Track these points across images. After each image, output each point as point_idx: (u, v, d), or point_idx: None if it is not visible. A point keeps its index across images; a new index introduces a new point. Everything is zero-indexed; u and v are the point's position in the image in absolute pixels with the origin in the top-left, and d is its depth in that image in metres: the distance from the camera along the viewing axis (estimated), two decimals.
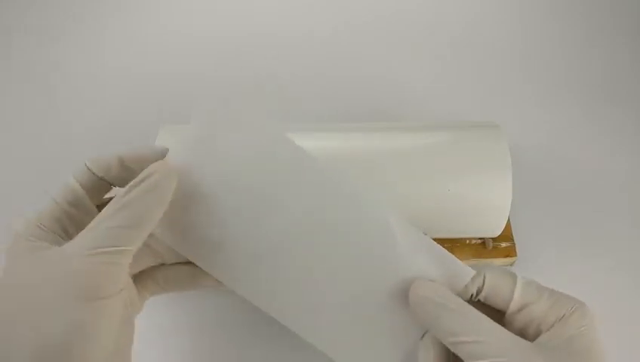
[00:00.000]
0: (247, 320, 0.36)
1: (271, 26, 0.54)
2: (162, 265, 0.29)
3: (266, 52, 0.52)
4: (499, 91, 0.49)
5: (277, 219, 0.26)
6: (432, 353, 0.25)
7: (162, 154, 0.26)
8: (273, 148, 0.26)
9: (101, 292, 0.21)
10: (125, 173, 0.25)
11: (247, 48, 0.52)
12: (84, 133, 0.46)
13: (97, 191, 0.25)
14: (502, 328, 0.22)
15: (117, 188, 0.27)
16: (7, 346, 0.21)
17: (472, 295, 0.25)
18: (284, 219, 0.26)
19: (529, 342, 0.22)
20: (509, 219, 0.35)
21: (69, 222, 0.24)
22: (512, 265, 0.37)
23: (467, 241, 0.36)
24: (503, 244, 0.36)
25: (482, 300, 0.25)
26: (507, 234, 0.36)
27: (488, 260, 0.36)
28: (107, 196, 0.27)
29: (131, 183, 0.23)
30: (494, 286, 0.24)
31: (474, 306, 0.24)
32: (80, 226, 0.24)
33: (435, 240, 0.26)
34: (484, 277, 0.25)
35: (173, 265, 0.29)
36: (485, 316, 0.23)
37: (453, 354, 0.24)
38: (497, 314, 0.24)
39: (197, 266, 0.28)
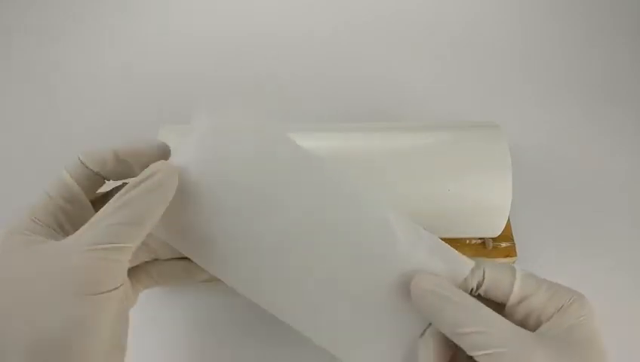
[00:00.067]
0: (241, 317, 0.36)
1: (271, 26, 0.54)
2: (156, 260, 0.29)
3: (266, 52, 0.52)
4: (499, 91, 0.49)
5: (277, 218, 0.26)
6: (432, 349, 0.25)
7: (158, 149, 0.26)
8: (273, 147, 0.26)
9: (100, 287, 0.21)
10: (120, 167, 0.26)
11: (247, 48, 0.52)
12: (84, 133, 0.46)
13: (91, 185, 0.25)
14: (503, 319, 0.23)
15: (111, 181, 0.27)
16: (2, 340, 0.21)
17: (472, 289, 0.25)
18: (284, 218, 0.26)
19: (530, 332, 0.23)
20: (509, 219, 0.35)
21: (64, 216, 0.24)
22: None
23: (467, 241, 0.36)
24: (503, 244, 0.36)
25: (482, 294, 0.25)
26: (507, 234, 0.36)
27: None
28: (100, 191, 0.27)
29: (133, 181, 0.23)
30: (494, 280, 0.25)
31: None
32: (74, 220, 0.24)
33: None
34: (484, 271, 0.25)
35: (167, 261, 0.29)
36: (487, 307, 0.23)
37: (452, 350, 0.25)
38: (497, 308, 0.25)
39: (192, 262, 0.28)
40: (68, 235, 0.23)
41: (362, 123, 0.35)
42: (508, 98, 0.49)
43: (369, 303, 0.26)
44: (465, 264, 0.25)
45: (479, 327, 0.22)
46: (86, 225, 0.22)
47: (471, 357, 0.23)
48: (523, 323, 0.24)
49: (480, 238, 0.36)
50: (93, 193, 0.26)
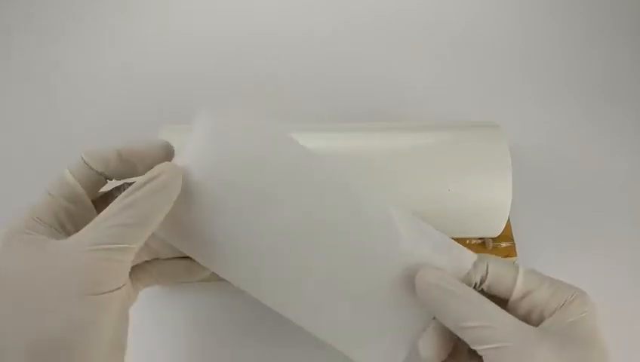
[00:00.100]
0: (241, 317, 0.36)
1: (271, 26, 0.54)
2: (156, 259, 0.29)
3: (266, 52, 0.52)
4: (499, 91, 0.49)
5: (278, 217, 0.26)
6: (434, 342, 0.25)
7: (163, 149, 0.26)
8: (274, 147, 0.26)
9: (102, 288, 0.21)
10: (124, 167, 0.25)
11: (247, 48, 0.52)
12: (84, 133, 0.46)
13: (93, 185, 0.25)
14: (507, 313, 0.23)
15: (113, 181, 0.27)
16: (2, 339, 0.21)
17: (475, 284, 0.25)
18: (286, 217, 0.26)
19: (533, 327, 0.23)
20: (509, 219, 0.35)
21: (65, 216, 0.24)
22: None
23: (467, 241, 0.36)
24: (503, 244, 0.36)
25: (485, 289, 0.25)
26: (507, 234, 0.36)
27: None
28: (102, 190, 0.27)
29: (138, 182, 0.23)
30: (497, 275, 0.25)
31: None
32: (76, 220, 0.24)
33: None
34: (487, 266, 0.25)
35: (168, 260, 0.29)
36: (491, 302, 0.23)
37: (454, 342, 0.25)
38: (500, 304, 0.25)
39: (192, 261, 0.28)
40: (69, 235, 0.23)
41: (362, 123, 0.35)
42: (508, 98, 0.49)
43: (372, 300, 0.26)
44: (467, 257, 0.25)
45: (483, 321, 0.22)
46: (89, 225, 0.22)
47: (472, 351, 0.24)
48: (525, 319, 0.24)
49: (480, 238, 0.36)
50: (95, 193, 0.26)
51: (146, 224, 0.23)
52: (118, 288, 0.22)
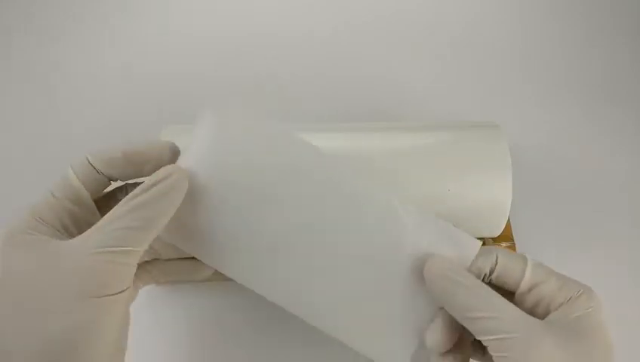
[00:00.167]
0: (241, 317, 0.36)
1: (271, 26, 0.54)
2: (156, 259, 0.29)
3: (266, 52, 0.52)
4: (499, 91, 0.49)
5: (281, 215, 0.26)
6: (440, 331, 0.25)
7: (169, 150, 0.26)
8: (275, 146, 0.26)
9: (107, 290, 0.21)
10: (129, 168, 0.25)
11: (247, 48, 0.52)
12: (84, 133, 0.46)
13: (97, 186, 0.25)
14: (513, 306, 0.23)
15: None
16: (7, 343, 0.21)
17: (485, 275, 0.25)
18: (289, 215, 0.26)
19: (538, 320, 0.23)
20: (509, 219, 0.35)
21: (68, 217, 0.24)
22: None
23: None
24: (503, 244, 0.36)
25: (493, 279, 0.25)
26: (507, 234, 0.36)
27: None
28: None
29: (144, 184, 0.23)
30: (506, 266, 0.25)
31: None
32: (78, 222, 0.24)
33: None
34: (497, 256, 0.25)
35: (169, 260, 0.29)
36: (498, 294, 0.23)
37: (459, 332, 0.25)
38: (507, 295, 0.25)
39: (192, 261, 0.28)
40: (71, 236, 0.23)
41: (362, 123, 0.35)
42: (508, 98, 0.49)
43: (379, 293, 0.26)
44: (473, 244, 0.25)
45: (490, 313, 0.22)
46: (94, 228, 0.22)
47: (476, 341, 0.24)
48: (532, 311, 0.24)
49: (480, 238, 0.36)
50: (97, 194, 0.26)
51: (151, 227, 0.23)
52: (123, 291, 0.22)
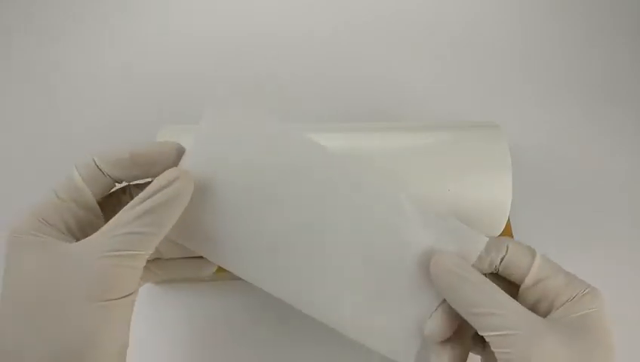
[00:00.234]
0: (241, 317, 0.36)
1: (271, 26, 0.54)
2: (158, 259, 0.29)
3: (266, 52, 0.52)
4: (499, 91, 0.49)
5: (283, 215, 0.26)
6: (441, 325, 0.25)
7: (175, 151, 0.26)
8: (281, 143, 0.26)
9: (113, 294, 0.22)
10: (135, 170, 0.25)
11: (247, 48, 0.52)
12: (84, 133, 0.46)
13: (102, 188, 0.25)
14: (517, 303, 0.23)
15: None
16: (20, 344, 0.21)
17: (495, 265, 0.26)
18: (291, 214, 0.26)
19: (542, 318, 0.23)
20: (509, 219, 0.35)
21: (73, 219, 0.24)
22: None
23: None
24: None
25: (500, 270, 0.26)
26: (507, 234, 0.36)
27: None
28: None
29: (151, 188, 0.23)
30: (515, 257, 0.25)
31: (490, 277, 0.25)
32: (82, 224, 0.24)
33: None
34: (508, 246, 0.25)
35: (171, 259, 0.29)
36: (502, 291, 0.23)
37: (459, 321, 0.25)
38: (511, 289, 0.25)
39: (194, 261, 0.28)
40: (75, 238, 0.23)
41: (362, 123, 0.35)
42: (508, 98, 0.49)
43: (385, 288, 0.26)
44: (480, 239, 0.25)
45: (494, 309, 0.23)
46: (101, 231, 0.22)
47: (477, 335, 0.24)
48: (535, 306, 0.25)
49: None
50: (102, 196, 0.26)
51: (158, 232, 0.23)
52: (129, 294, 0.22)
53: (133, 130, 0.43)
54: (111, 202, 0.26)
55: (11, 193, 0.42)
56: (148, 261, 0.29)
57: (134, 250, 0.22)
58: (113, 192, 0.27)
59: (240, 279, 0.28)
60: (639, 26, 0.54)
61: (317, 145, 0.26)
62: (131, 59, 0.52)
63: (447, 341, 0.26)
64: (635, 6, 0.55)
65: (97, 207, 0.25)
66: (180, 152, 0.26)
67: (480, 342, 0.27)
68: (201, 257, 0.28)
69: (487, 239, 0.26)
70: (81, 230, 0.24)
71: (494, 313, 0.22)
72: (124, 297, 0.22)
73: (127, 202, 0.24)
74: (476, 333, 0.24)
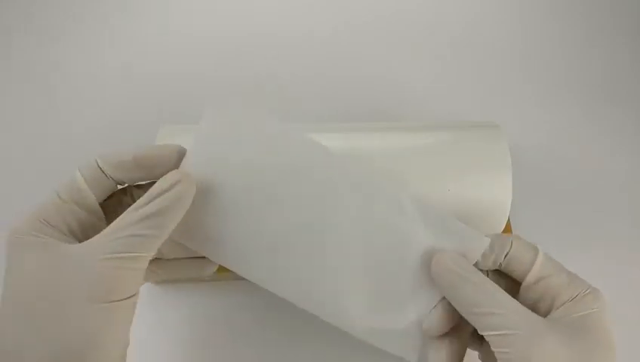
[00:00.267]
0: (242, 317, 0.36)
1: (271, 26, 0.54)
2: (159, 259, 0.29)
3: (266, 52, 0.52)
4: (499, 91, 0.49)
5: (284, 215, 0.26)
6: (439, 321, 0.25)
7: (177, 154, 0.26)
8: (282, 143, 0.26)
9: (115, 296, 0.22)
10: (138, 173, 0.25)
11: (247, 48, 0.52)
12: (84, 133, 0.46)
13: (104, 190, 0.25)
14: (518, 303, 0.23)
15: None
16: (20, 344, 0.21)
17: (499, 263, 0.26)
18: (295, 211, 0.26)
19: (542, 318, 0.23)
20: (509, 219, 0.35)
21: (74, 220, 0.24)
22: None
23: None
24: None
25: (503, 266, 0.26)
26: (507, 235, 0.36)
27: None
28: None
29: (154, 191, 0.23)
30: (517, 254, 0.25)
31: (492, 275, 0.26)
32: (84, 226, 0.24)
33: None
34: (512, 243, 0.25)
35: (172, 260, 0.29)
36: (504, 291, 0.24)
37: (457, 319, 0.25)
38: (513, 286, 0.25)
39: (195, 261, 0.28)
40: (77, 239, 0.23)
41: (362, 123, 0.35)
42: (508, 98, 0.49)
43: (387, 287, 0.26)
44: (482, 240, 0.25)
45: (495, 308, 0.23)
46: (103, 233, 0.22)
47: (475, 333, 0.24)
48: (536, 305, 0.25)
49: None
50: (104, 198, 0.26)
51: (160, 235, 0.23)
52: (131, 296, 0.22)
53: (133, 130, 0.43)
54: (112, 203, 0.26)
55: (11, 193, 0.42)
56: (149, 262, 0.29)
57: (136, 252, 0.22)
58: (114, 193, 0.27)
59: (241, 279, 0.28)
60: (639, 26, 0.54)
61: (317, 144, 0.27)
62: (131, 59, 0.52)
63: (445, 336, 0.26)
64: (635, 6, 0.55)
65: (99, 208, 0.25)
66: (182, 154, 0.26)
67: (478, 339, 0.27)
68: (202, 257, 0.28)
69: (490, 240, 0.26)
70: (83, 231, 0.24)
71: (494, 312, 0.22)
72: (125, 299, 0.22)
73: (129, 203, 0.24)
74: (475, 330, 0.24)
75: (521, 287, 0.25)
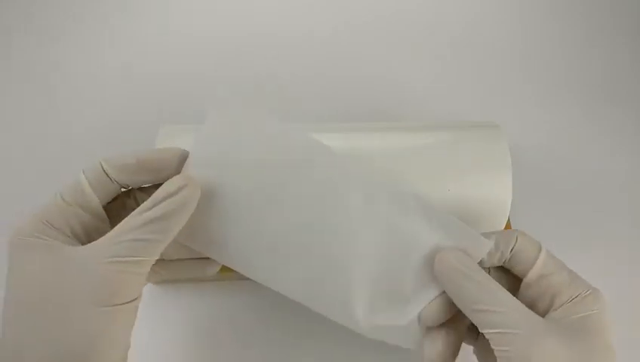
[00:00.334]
0: (243, 317, 0.36)
1: (271, 26, 0.54)
2: (162, 260, 0.29)
3: (266, 52, 0.52)
4: (499, 91, 0.49)
5: (289, 211, 0.26)
6: (435, 314, 0.26)
7: (181, 157, 0.26)
8: (280, 139, 0.26)
9: (118, 299, 0.22)
10: (142, 176, 0.25)
11: (247, 48, 0.52)
12: (84, 133, 0.46)
13: (108, 193, 0.25)
14: (519, 301, 0.23)
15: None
16: (20, 344, 0.21)
17: (505, 259, 0.26)
18: (297, 211, 0.26)
19: (542, 318, 0.23)
20: (509, 219, 0.35)
21: (78, 223, 0.24)
22: None
23: None
24: None
25: (506, 262, 0.26)
26: None
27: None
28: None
29: (159, 195, 0.23)
30: (522, 248, 0.25)
31: (493, 272, 0.26)
32: (87, 228, 0.24)
33: None
34: (517, 238, 0.26)
35: (174, 260, 0.29)
36: (505, 290, 0.24)
37: (455, 317, 0.26)
38: (514, 283, 0.26)
39: (197, 261, 0.28)
40: (79, 242, 0.23)
41: (362, 123, 0.35)
42: (508, 98, 0.49)
43: (388, 285, 0.26)
44: (484, 243, 0.25)
45: (496, 307, 0.23)
46: (106, 237, 0.22)
47: (472, 328, 0.24)
48: (536, 302, 0.25)
49: None
50: (107, 200, 0.26)
51: (164, 239, 0.23)
52: (133, 299, 0.22)
53: (133, 130, 0.43)
54: (115, 206, 0.27)
55: (11, 193, 0.42)
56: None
57: (140, 257, 0.22)
58: (118, 196, 0.27)
59: (243, 278, 0.28)
60: (639, 26, 0.54)
61: (319, 143, 0.27)
62: (131, 59, 0.52)
63: (442, 327, 0.26)
64: (635, 6, 0.55)
65: (103, 211, 0.25)
66: (184, 157, 0.26)
67: (474, 333, 0.27)
68: (205, 257, 0.28)
69: (493, 244, 0.26)
70: (86, 234, 0.24)
71: (495, 310, 0.23)
72: (128, 303, 0.22)
73: (132, 206, 0.24)
74: (471, 324, 0.24)
75: (522, 284, 0.25)
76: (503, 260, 0.26)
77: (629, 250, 0.39)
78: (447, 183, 0.31)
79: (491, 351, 0.23)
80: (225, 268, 0.28)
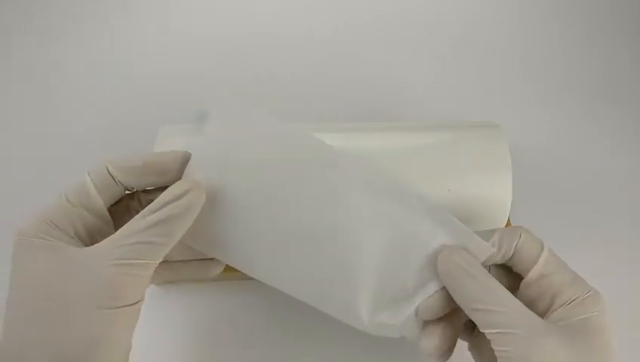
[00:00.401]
0: (243, 317, 0.36)
1: (271, 26, 0.54)
2: (165, 261, 0.29)
3: (266, 52, 0.52)
4: (499, 91, 0.49)
5: (292, 209, 0.26)
6: (434, 308, 0.26)
7: (185, 160, 0.26)
8: (280, 139, 0.26)
9: (121, 301, 0.22)
10: (146, 179, 0.25)
11: (247, 48, 0.52)
12: (84, 133, 0.46)
13: (113, 195, 0.25)
14: (520, 302, 0.23)
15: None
16: (22, 344, 0.21)
17: (508, 257, 0.26)
18: (299, 208, 0.26)
19: (542, 319, 0.23)
20: (509, 219, 0.35)
21: (82, 225, 0.24)
22: None
23: None
24: None
25: (507, 259, 0.26)
26: None
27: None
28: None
29: (163, 199, 0.23)
30: (525, 244, 0.26)
31: (494, 271, 0.26)
32: (91, 230, 0.24)
33: None
34: (521, 234, 0.26)
35: (177, 261, 0.29)
36: (507, 291, 0.24)
37: (453, 313, 0.26)
38: (515, 281, 0.26)
39: (200, 262, 0.28)
40: (83, 243, 0.23)
41: (362, 123, 0.35)
42: (508, 98, 0.49)
43: (391, 284, 0.26)
44: (485, 248, 0.25)
45: (496, 306, 0.23)
46: (111, 239, 0.22)
47: (469, 324, 0.24)
48: (536, 301, 0.25)
49: None
50: (111, 203, 0.26)
51: (168, 242, 0.23)
52: (137, 302, 0.22)
53: (133, 130, 0.43)
54: (119, 208, 0.27)
55: (11, 193, 0.42)
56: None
57: (144, 259, 0.22)
58: (122, 198, 0.27)
59: (244, 278, 0.28)
60: (639, 26, 0.54)
61: (320, 143, 0.27)
62: (131, 59, 0.52)
63: (439, 321, 0.26)
64: (635, 6, 0.55)
65: (107, 213, 0.25)
66: (187, 160, 0.26)
67: (469, 330, 0.27)
68: (208, 258, 0.28)
69: (494, 250, 0.26)
70: (90, 236, 0.24)
71: (496, 310, 0.23)
72: (131, 305, 0.22)
73: (136, 208, 0.24)
74: (467, 321, 0.24)
75: (523, 282, 0.25)
76: (507, 258, 0.26)
77: (629, 250, 0.39)
78: (447, 183, 0.31)
79: (486, 348, 0.23)
80: (226, 268, 0.28)
